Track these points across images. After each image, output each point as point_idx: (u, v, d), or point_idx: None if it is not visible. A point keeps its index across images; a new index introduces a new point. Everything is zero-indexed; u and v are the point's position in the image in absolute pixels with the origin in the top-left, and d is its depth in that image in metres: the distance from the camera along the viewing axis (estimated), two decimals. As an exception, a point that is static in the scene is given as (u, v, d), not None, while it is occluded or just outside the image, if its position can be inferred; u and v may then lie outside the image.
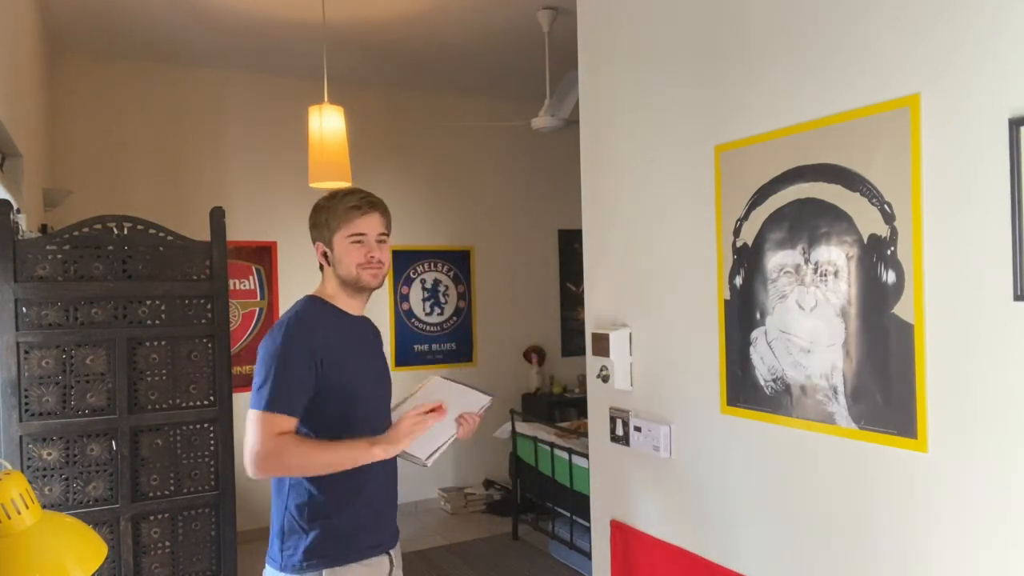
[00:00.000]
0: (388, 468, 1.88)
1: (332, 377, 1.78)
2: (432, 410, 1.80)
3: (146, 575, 2.88)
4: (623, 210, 2.29)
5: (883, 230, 1.54)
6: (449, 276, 5.70)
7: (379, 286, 1.89)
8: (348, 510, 1.79)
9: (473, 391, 1.94)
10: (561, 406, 5.70)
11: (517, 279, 5.95)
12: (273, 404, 1.70)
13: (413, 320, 5.57)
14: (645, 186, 2.19)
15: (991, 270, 1.37)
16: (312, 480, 1.77)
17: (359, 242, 1.83)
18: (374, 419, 1.86)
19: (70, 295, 2.75)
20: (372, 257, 1.84)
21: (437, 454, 1.84)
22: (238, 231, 4.92)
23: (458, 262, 5.73)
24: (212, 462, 2.99)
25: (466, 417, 1.87)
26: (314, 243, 1.90)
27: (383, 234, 1.88)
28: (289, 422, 1.71)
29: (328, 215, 1.85)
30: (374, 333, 2.02)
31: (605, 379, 2.28)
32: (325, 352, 1.77)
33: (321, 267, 1.91)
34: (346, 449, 1.72)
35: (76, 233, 2.81)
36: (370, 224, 1.85)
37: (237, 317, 5.03)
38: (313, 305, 1.87)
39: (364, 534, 1.82)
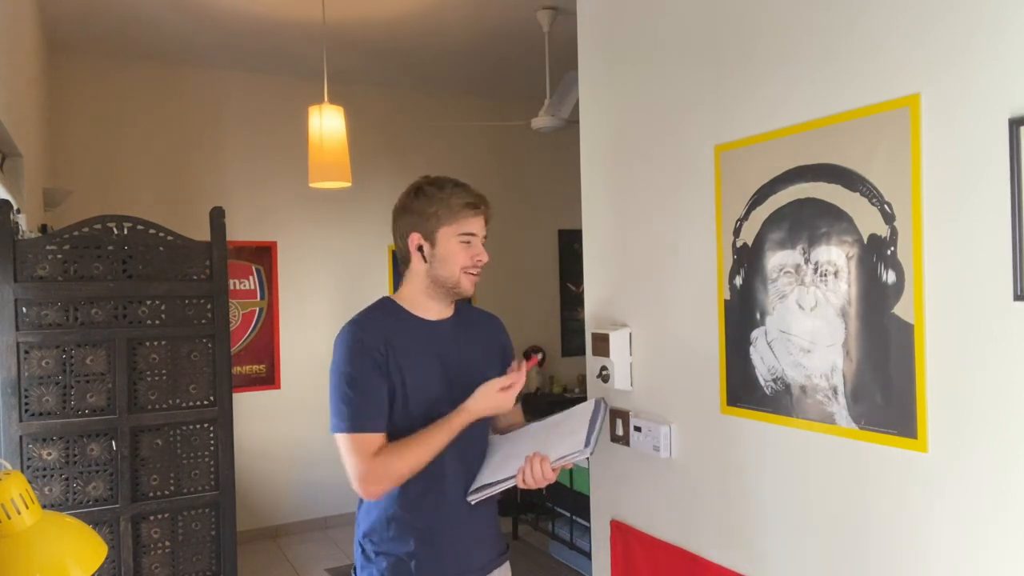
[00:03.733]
0: (455, 496, 1.73)
1: (396, 386, 1.67)
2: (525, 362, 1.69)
3: (146, 575, 2.88)
4: (623, 210, 2.29)
5: (883, 230, 1.54)
6: (449, 276, 5.69)
7: (471, 295, 1.77)
8: (401, 538, 1.70)
9: (577, 432, 1.67)
10: (561, 406, 5.68)
11: (517, 279, 5.95)
12: (356, 425, 1.63)
13: (413, 320, 5.56)
14: (645, 186, 2.19)
15: (991, 270, 1.37)
16: (369, 510, 1.73)
17: (468, 243, 1.71)
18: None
19: (70, 295, 2.75)
20: (479, 261, 1.73)
21: (483, 494, 1.67)
22: (238, 231, 4.92)
23: (458, 262, 5.72)
24: (212, 462, 2.99)
25: (535, 465, 1.61)
26: (405, 233, 1.73)
27: (485, 237, 1.78)
28: (380, 438, 1.64)
29: (439, 206, 1.69)
30: (471, 327, 1.84)
31: (605, 379, 2.28)
32: (390, 356, 1.66)
33: (406, 262, 1.76)
34: (437, 432, 1.63)
35: (76, 233, 2.81)
36: (481, 225, 1.74)
37: (237, 317, 5.03)
38: (380, 307, 1.75)
39: (424, 566, 1.70)
